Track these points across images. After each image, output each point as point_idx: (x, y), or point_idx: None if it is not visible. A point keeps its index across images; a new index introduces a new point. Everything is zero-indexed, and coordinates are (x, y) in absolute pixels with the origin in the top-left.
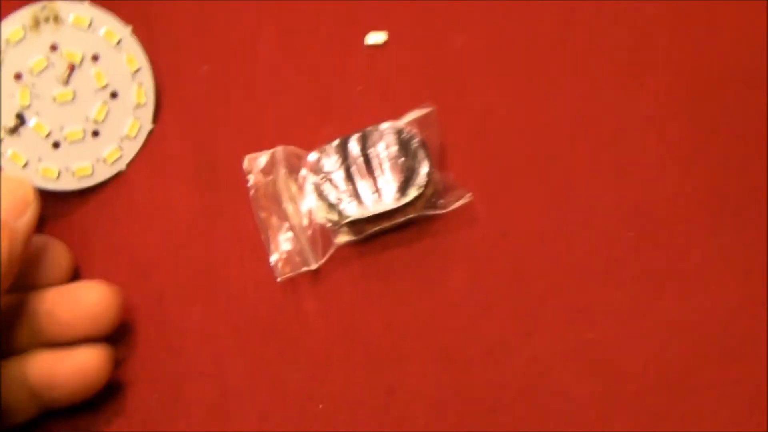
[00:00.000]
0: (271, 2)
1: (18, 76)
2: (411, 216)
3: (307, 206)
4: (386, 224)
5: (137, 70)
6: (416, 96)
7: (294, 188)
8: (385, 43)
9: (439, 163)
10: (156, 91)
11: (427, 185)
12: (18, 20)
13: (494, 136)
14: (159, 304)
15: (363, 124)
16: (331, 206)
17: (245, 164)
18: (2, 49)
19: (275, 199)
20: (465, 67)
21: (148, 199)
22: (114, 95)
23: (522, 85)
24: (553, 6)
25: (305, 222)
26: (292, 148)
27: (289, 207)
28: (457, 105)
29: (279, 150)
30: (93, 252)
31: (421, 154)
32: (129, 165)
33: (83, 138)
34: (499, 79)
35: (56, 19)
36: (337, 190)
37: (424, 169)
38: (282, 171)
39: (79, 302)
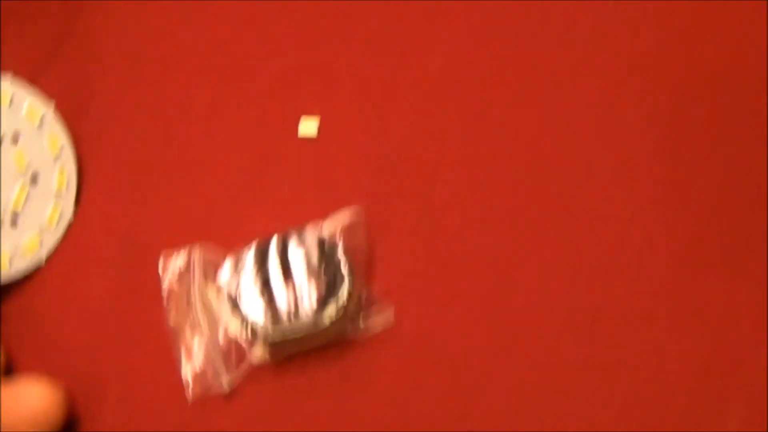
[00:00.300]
0: (205, 83)
1: None
2: (330, 334)
3: (222, 317)
4: (302, 346)
5: (60, 150)
6: (346, 192)
7: (210, 295)
8: (318, 133)
9: (364, 272)
10: (78, 174)
11: (348, 301)
12: None
13: (426, 240)
14: (72, 402)
15: (289, 220)
16: (244, 320)
17: (160, 265)
18: None
19: (190, 306)
20: (400, 162)
21: (65, 295)
22: (35, 179)
23: (463, 178)
24: (502, 85)
25: (220, 334)
26: (210, 248)
27: (202, 316)
28: (389, 204)
29: (196, 250)
30: (7, 344)
31: (344, 265)
32: (49, 256)
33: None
34: (437, 175)
35: None
36: (252, 302)
37: (346, 282)
38: (198, 275)
39: (22, 404)
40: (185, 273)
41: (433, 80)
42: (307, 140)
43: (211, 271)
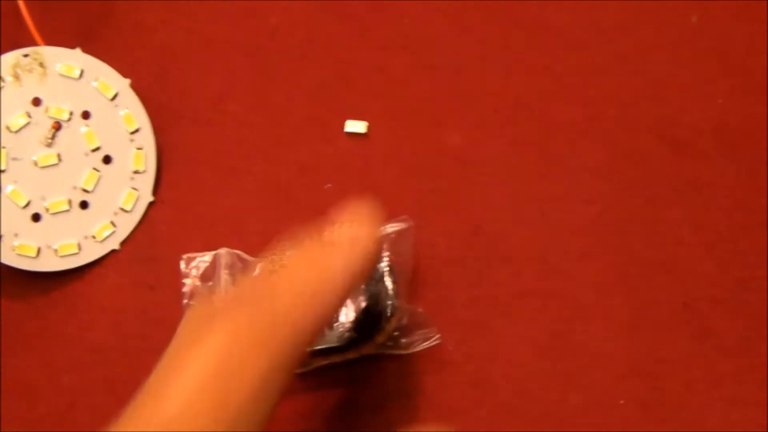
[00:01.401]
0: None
1: None
2: (368, 348)
3: None
4: (337, 359)
5: (136, 131)
6: (393, 203)
7: None
8: (367, 133)
9: (408, 292)
10: (157, 156)
11: (390, 320)
12: None
13: (479, 260)
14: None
15: None
16: None
17: (182, 265)
18: None
19: None
20: (453, 173)
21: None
22: (107, 160)
23: (518, 197)
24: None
25: None
26: (237, 253)
27: None
28: (441, 220)
29: (222, 253)
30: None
31: (388, 281)
32: (123, 244)
33: (69, 210)
34: (493, 189)
35: (41, 68)
36: None
37: (389, 300)
38: (223, 279)
39: None
40: (210, 274)
41: (497, 95)
42: (352, 143)
43: (238, 275)
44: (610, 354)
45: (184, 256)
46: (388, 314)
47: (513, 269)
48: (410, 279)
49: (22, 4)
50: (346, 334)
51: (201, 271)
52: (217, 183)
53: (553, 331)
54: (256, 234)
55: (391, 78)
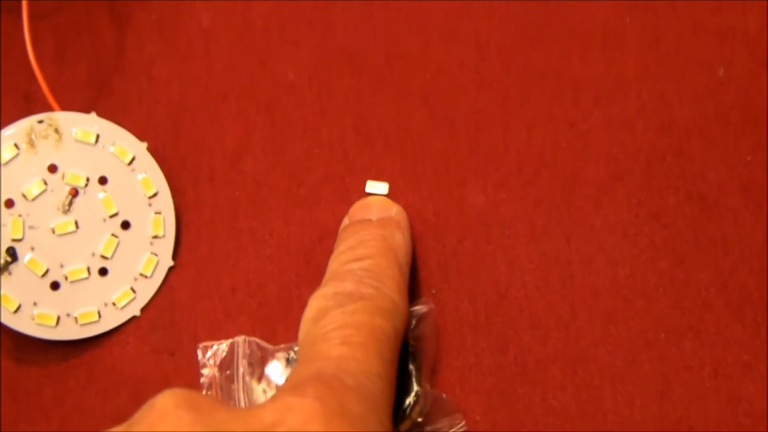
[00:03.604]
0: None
1: (9, 204)
2: None
3: None
4: None
5: (154, 195)
6: (415, 265)
7: (256, 389)
8: (388, 194)
9: (431, 375)
10: (176, 221)
11: (414, 407)
12: (11, 136)
13: (504, 325)
14: None
15: None
16: None
17: (199, 355)
18: None
19: (231, 400)
20: (477, 234)
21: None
22: (126, 225)
23: (543, 260)
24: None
25: None
26: (255, 341)
27: None
28: (465, 283)
29: (239, 341)
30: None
31: (411, 368)
32: (143, 310)
33: (88, 277)
34: (518, 251)
35: (56, 134)
36: None
37: (412, 387)
38: (242, 367)
39: None
40: (228, 363)
41: (520, 153)
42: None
43: (258, 365)
44: (639, 421)
45: (201, 345)
46: (412, 401)
47: (539, 334)
48: (433, 364)
49: (36, 68)
50: None
51: (219, 361)
52: (236, 246)
53: (580, 398)
54: (276, 299)
55: (411, 134)
